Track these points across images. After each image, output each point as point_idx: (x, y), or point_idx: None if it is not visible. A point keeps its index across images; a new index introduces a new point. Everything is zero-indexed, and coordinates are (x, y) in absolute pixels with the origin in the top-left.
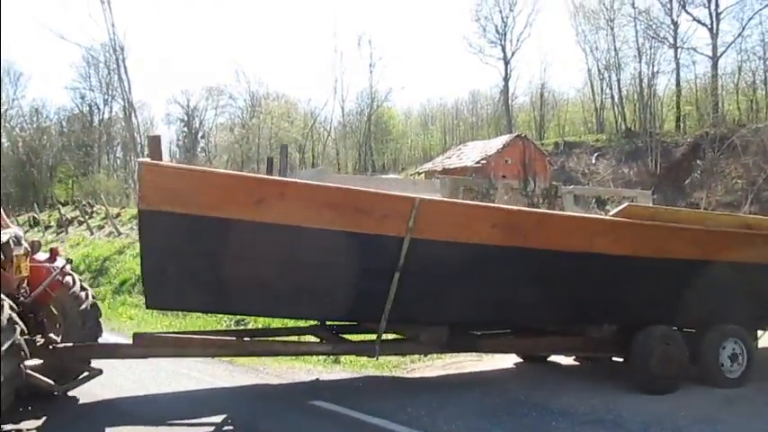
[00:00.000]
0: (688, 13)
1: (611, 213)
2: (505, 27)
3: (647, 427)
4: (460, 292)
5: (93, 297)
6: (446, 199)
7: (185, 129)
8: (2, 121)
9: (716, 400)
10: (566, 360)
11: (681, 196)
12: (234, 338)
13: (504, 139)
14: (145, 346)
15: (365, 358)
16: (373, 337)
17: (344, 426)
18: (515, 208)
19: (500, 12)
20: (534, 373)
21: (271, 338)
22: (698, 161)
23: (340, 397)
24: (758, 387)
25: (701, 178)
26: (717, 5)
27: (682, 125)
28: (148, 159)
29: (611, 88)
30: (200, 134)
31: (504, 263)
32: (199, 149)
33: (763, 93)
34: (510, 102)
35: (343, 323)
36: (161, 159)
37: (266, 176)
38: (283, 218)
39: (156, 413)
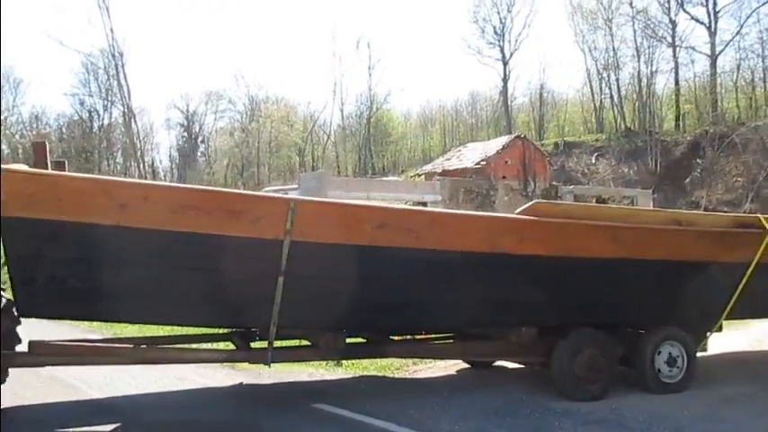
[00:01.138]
0: (686, 11)
1: (517, 211)
2: (504, 28)
3: (649, 426)
4: (352, 296)
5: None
6: (326, 199)
7: (185, 133)
8: (2, 127)
9: (718, 398)
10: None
11: (681, 195)
12: (131, 346)
13: (504, 139)
14: (39, 354)
15: (368, 360)
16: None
17: (347, 428)
18: (404, 207)
19: (498, 13)
20: (536, 374)
21: (167, 346)
22: (698, 160)
23: (342, 399)
24: (761, 386)
25: (701, 177)
26: (715, 4)
27: (681, 124)
28: (14, 165)
29: (609, 88)
30: (199, 139)
31: (395, 264)
32: (199, 154)
33: (762, 90)
34: (509, 102)
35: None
36: (46, 167)
37: (128, 180)
38: (149, 222)
39: (157, 417)
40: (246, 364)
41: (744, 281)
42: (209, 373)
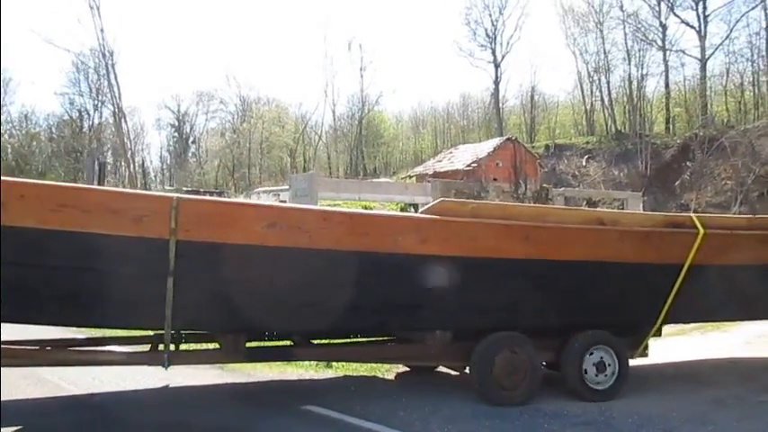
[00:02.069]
0: (676, 15)
1: (421, 210)
2: (495, 31)
3: (638, 428)
4: (246, 297)
5: None
6: (214, 198)
7: (176, 134)
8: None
9: (707, 400)
10: None
11: (671, 198)
12: (36, 348)
13: (495, 142)
14: None
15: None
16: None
17: (337, 430)
18: (295, 206)
19: (490, 15)
20: None
21: (72, 348)
22: (687, 163)
23: (332, 401)
24: (751, 388)
25: (690, 179)
26: (704, 8)
27: (671, 127)
28: None
29: (600, 91)
30: (190, 139)
31: (291, 265)
32: (190, 154)
33: (751, 94)
34: (501, 105)
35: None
36: None
37: (5, 178)
38: (27, 221)
39: (145, 419)
40: (236, 365)
41: (678, 283)
42: (198, 374)
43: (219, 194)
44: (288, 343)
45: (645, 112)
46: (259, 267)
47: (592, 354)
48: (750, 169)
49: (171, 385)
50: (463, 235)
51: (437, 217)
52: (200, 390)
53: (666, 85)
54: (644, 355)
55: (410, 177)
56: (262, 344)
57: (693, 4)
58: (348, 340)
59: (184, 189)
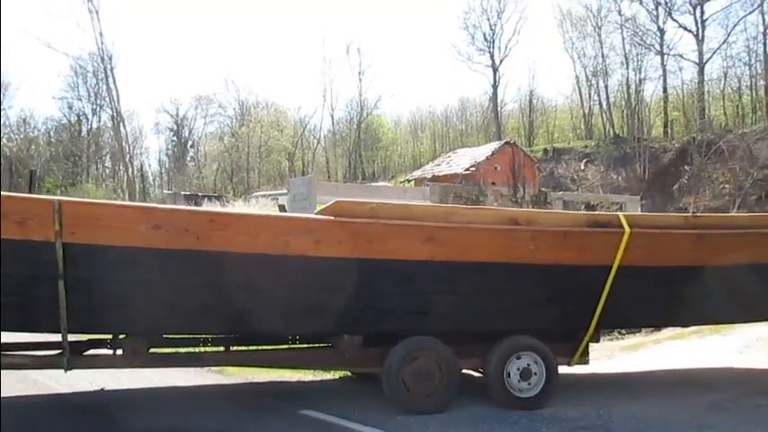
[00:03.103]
0: (674, 20)
1: (316, 211)
2: (493, 35)
3: None
4: (141, 300)
5: None
6: (97, 200)
7: (174, 138)
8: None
9: (705, 405)
10: None
11: (669, 202)
12: None
13: (494, 145)
14: None
15: None
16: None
17: None
18: (181, 208)
19: (488, 20)
20: None
21: None
22: (685, 166)
23: (329, 405)
24: (749, 391)
25: (688, 183)
26: (702, 12)
27: (669, 131)
28: None
29: (598, 95)
30: (189, 143)
31: (179, 267)
32: (188, 158)
33: (749, 98)
34: (499, 109)
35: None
36: None
37: None
38: None
39: (142, 423)
40: (234, 370)
41: (608, 286)
42: (198, 378)
43: (218, 198)
44: (196, 349)
45: (643, 116)
46: (148, 269)
47: (517, 360)
48: (748, 173)
49: (167, 388)
50: (360, 236)
51: (330, 218)
52: (196, 393)
53: (664, 90)
54: (583, 362)
55: (408, 181)
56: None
57: (691, 8)
58: (266, 347)
59: (183, 193)
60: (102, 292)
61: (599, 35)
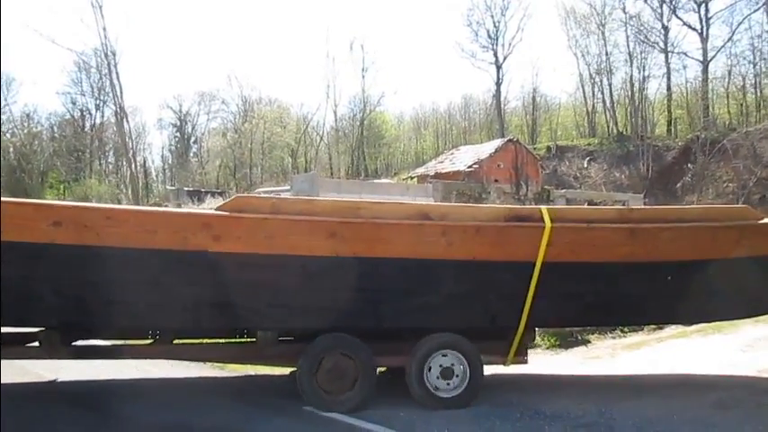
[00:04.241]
0: (678, 17)
1: (217, 206)
2: (497, 32)
3: (638, 431)
4: (51, 295)
5: None
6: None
7: (177, 134)
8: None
9: (708, 403)
10: (557, 364)
11: (672, 200)
12: None
13: (497, 143)
14: None
15: None
16: None
17: (338, 431)
18: (81, 204)
19: (492, 17)
20: (527, 377)
21: None
22: (689, 165)
23: None
24: (751, 390)
25: (692, 182)
26: (707, 10)
27: (673, 129)
28: None
29: (602, 92)
30: (192, 139)
31: (82, 263)
32: (191, 154)
33: (753, 96)
34: (502, 106)
35: None
36: None
37: None
38: None
39: (145, 419)
40: (235, 366)
41: (533, 283)
42: (196, 372)
43: (221, 194)
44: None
45: (646, 115)
46: (53, 265)
47: (436, 359)
48: (752, 172)
49: (167, 382)
50: (260, 232)
51: (228, 214)
52: (199, 388)
53: (668, 88)
54: (521, 361)
55: (411, 178)
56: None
57: (695, 6)
58: (188, 341)
59: (186, 189)
60: (18, 286)
61: (603, 33)
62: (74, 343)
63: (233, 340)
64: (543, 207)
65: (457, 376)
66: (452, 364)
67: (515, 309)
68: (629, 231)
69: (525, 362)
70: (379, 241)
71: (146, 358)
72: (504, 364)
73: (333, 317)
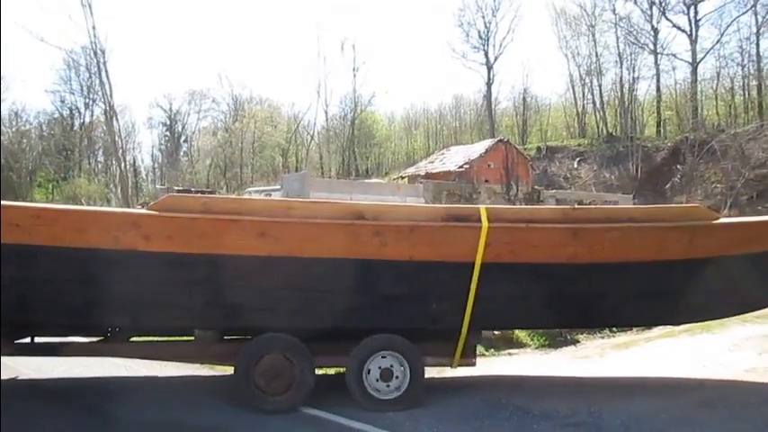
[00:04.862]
0: (668, 19)
1: (148, 206)
2: (488, 32)
3: (626, 429)
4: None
5: None
6: None
7: (167, 133)
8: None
9: (695, 402)
10: (545, 364)
11: (661, 200)
12: None
13: (487, 143)
14: None
15: None
16: None
17: (327, 430)
18: (10, 203)
19: (483, 17)
20: (516, 377)
21: None
22: (678, 166)
23: (321, 401)
24: (736, 390)
25: (680, 183)
26: (696, 12)
27: (662, 130)
28: None
29: (592, 93)
30: (182, 138)
31: (17, 263)
32: (181, 153)
33: (742, 98)
34: (493, 106)
35: None
36: None
37: None
38: None
39: (134, 417)
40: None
41: (474, 284)
42: (187, 370)
43: (211, 194)
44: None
45: (636, 116)
46: None
47: (379, 359)
48: (740, 173)
49: (159, 382)
50: (191, 231)
51: (157, 213)
52: (187, 387)
53: (658, 89)
54: (469, 363)
55: (402, 178)
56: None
57: (685, 8)
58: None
59: (176, 188)
60: None
61: (593, 34)
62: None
63: (182, 338)
64: (482, 207)
65: (397, 377)
66: (391, 366)
67: (457, 310)
68: (572, 232)
69: (473, 364)
70: (310, 241)
71: (85, 355)
72: (451, 365)
73: (271, 317)
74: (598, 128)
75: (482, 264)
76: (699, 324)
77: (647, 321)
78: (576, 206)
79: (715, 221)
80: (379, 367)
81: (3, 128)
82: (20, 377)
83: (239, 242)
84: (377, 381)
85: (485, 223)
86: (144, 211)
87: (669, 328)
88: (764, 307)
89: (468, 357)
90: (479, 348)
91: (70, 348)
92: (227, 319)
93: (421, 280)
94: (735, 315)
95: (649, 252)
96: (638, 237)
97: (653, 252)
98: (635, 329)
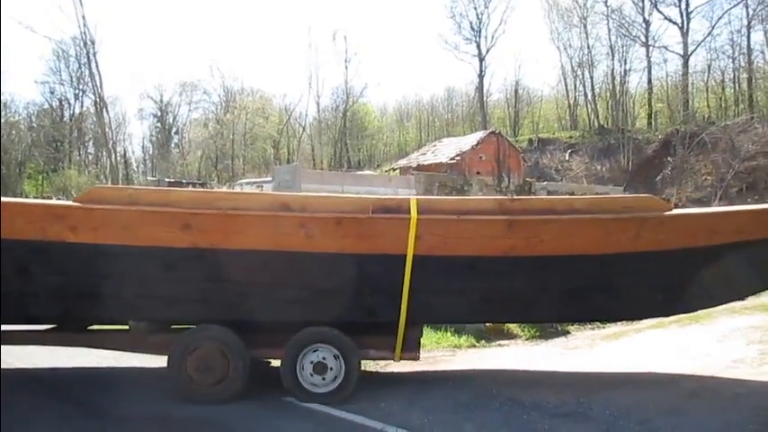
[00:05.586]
0: (659, 11)
1: (74, 198)
2: (480, 24)
3: (615, 419)
4: None
5: None
6: None
7: (158, 124)
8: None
9: (683, 393)
10: (536, 355)
11: (652, 193)
12: None
13: (479, 135)
14: None
15: None
16: None
17: (318, 422)
18: None
19: (475, 9)
20: (507, 368)
21: None
22: (669, 158)
23: None
24: (724, 381)
25: (671, 175)
26: (687, 5)
27: (653, 122)
28: None
29: (584, 85)
30: (173, 130)
31: None
32: (172, 145)
33: (732, 91)
34: (485, 98)
35: None
36: None
37: None
38: None
39: (123, 409)
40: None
41: (407, 278)
42: None
43: (202, 185)
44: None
45: (627, 108)
46: None
47: (313, 352)
48: (730, 165)
49: (145, 374)
50: (115, 223)
51: (81, 205)
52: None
53: (649, 81)
54: (412, 357)
55: (394, 170)
56: None
57: (676, 0)
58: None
59: (167, 180)
60: None
61: (585, 26)
62: None
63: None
64: (413, 198)
65: (331, 370)
66: (325, 359)
67: (393, 303)
68: (507, 223)
69: (417, 358)
70: (236, 233)
71: (18, 344)
72: (393, 359)
73: (203, 309)
74: (589, 120)
75: (415, 256)
76: (688, 315)
77: (596, 317)
78: (515, 197)
79: (666, 213)
80: (312, 361)
81: None
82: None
83: (164, 234)
84: (311, 374)
85: (414, 215)
86: (70, 203)
87: (659, 320)
88: (719, 304)
89: (412, 351)
90: (471, 339)
91: (12, 336)
92: (159, 310)
93: (352, 273)
94: (688, 312)
95: (593, 245)
96: (580, 229)
97: (597, 245)
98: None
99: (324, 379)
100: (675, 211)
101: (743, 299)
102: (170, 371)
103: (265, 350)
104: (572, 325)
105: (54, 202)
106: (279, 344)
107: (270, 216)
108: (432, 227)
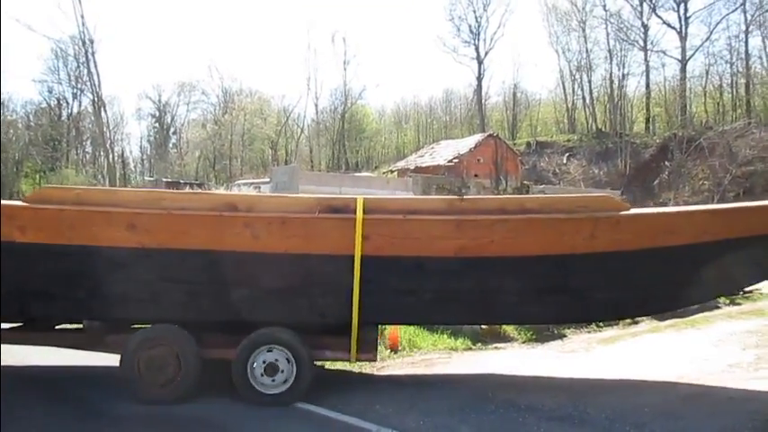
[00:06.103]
0: (658, 16)
1: (23, 198)
2: (479, 27)
3: (611, 423)
4: None
5: None
6: None
7: (156, 124)
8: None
9: (679, 396)
10: (532, 358)
11: (649, 197)
12: None
13: (477, 138)
14: None
15: None
16: None
17: (314, 423)
18: None
19: (474, 12)
20: (504, 371)
21: None
22: (666, 162)
23: (309, 395)
24: (720, 384)
25: (668, 179)
26: (686, 9)
27: (651, 126)
28: None
29: (582, 89)
30: (171, 130)
31: None
32: (170, 145)
33: (730, 96)
34: (483, 101)
35: None
36: None
37: None
38: None
39: (127, 410)
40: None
41: (357, 278)
42: None
43: (200, 186)
44: None
45: (625, 112)
46: None
47: (265, 353)
48: (727, 170)
49: None
50: (62, 223)
51: (29, 205)
52: None
53: (647, 85)
54: (369, 359)
55: (392, 172)
56: None
57: (675, 5)
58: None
59: (165, 180)
60: None
61: (583, 30)
62: None
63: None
64: (360, 197)
65: (282, 372)
66: (277, 360)
67: (344, 304)
68: (455, 224)
69: (374, 359)
70: (182, 233)
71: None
72: (350, 360)
73: (154, 309)
74: (587, 124)
75: (363, 257)
76: (684, 319)
77: (552, 319)
78: (465, 196)
79: (623, 213)
80: (264, 361)
81: None
82: None
83: (110, 233)
84: (261, 375)
85: (359, 215)
86: (18, 203)
87: (655, 324)
88: (680, 307)
89: (368, 352)
90: (467, 342)
91: None
92: (111, 309)
93: (302, 273)
94: (647, 315)
95: (546, 245)
96: (532, 229)
97: (550, 245)
98: (621, 324)
99: (274, 380)
100: (633, 211)
101: (709, 300)
102: (122, 370)
103: (217, 350)
104: (568, 328)
105: (4, 202)
106: (233, 344)
107: (215, 216)
108: (378, 227)
